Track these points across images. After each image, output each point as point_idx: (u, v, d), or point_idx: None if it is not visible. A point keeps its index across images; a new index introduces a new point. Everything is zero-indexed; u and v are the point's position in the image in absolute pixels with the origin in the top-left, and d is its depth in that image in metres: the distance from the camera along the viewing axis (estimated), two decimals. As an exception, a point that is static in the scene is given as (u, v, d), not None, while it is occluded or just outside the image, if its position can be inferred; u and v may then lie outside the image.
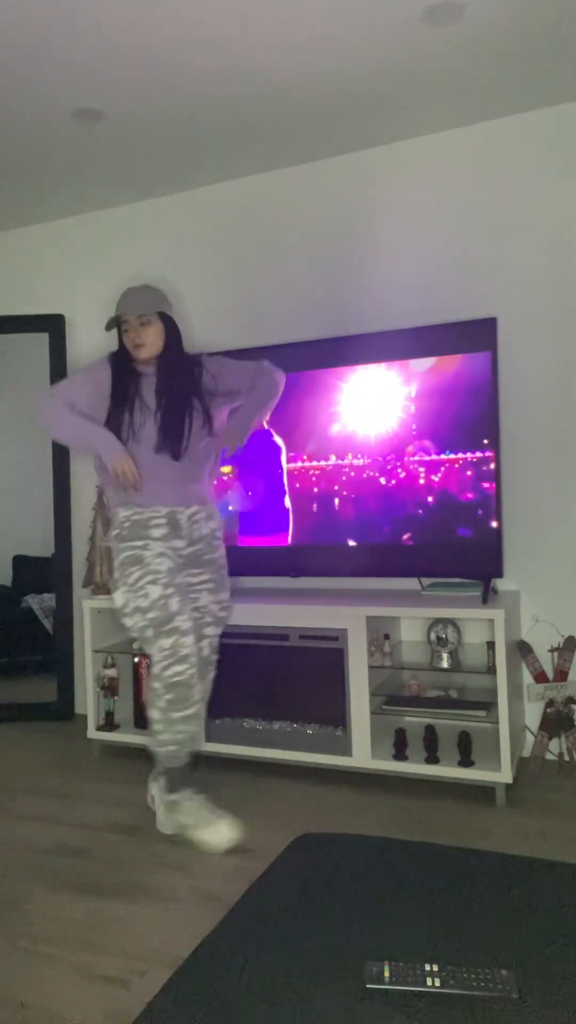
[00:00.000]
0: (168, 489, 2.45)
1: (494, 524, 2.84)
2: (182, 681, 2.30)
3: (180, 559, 2.47)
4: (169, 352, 2.49)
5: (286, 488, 3.17)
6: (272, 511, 3.20)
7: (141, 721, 3.18)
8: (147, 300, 2.46)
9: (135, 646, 3.28)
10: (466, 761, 2.68)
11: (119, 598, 2.40)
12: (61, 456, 3.90)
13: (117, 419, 2.45)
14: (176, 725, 2.33)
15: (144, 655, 3.22)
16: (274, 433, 3.19)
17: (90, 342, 3.92)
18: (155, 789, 2.53)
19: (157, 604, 2.33)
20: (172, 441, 2.44)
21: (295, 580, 3.33)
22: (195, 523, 2.50)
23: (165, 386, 2.46)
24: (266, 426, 3.16)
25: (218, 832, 2.36)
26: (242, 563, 3.23)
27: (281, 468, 3.18)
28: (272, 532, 3.20)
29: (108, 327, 2.49)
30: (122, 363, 2.50)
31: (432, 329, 2.98)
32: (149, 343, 2.45)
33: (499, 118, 3.10)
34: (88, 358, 3.91)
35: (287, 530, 3.18)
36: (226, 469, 3.27)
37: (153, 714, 2.36)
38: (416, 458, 2.97)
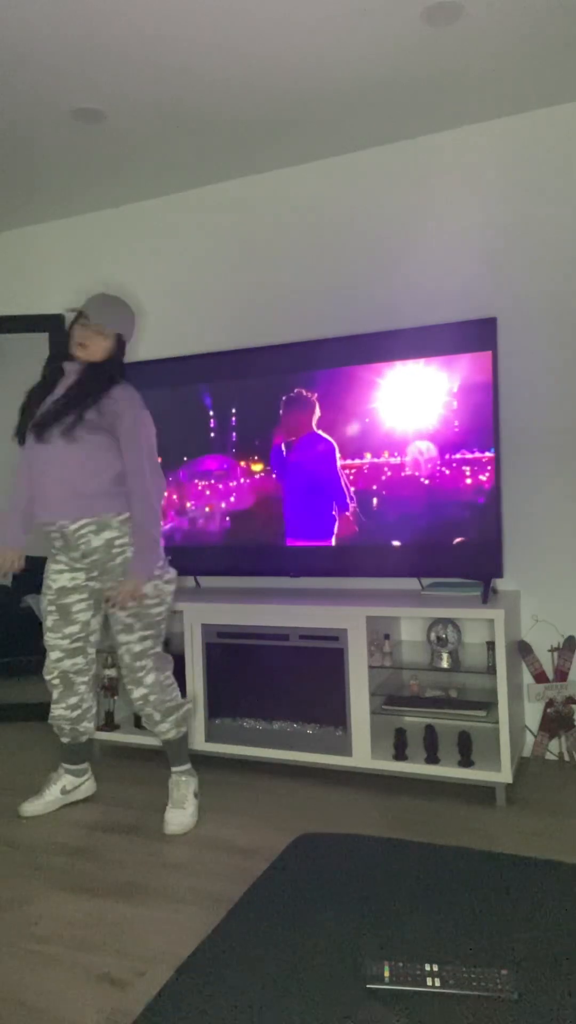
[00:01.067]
0: (55, 500, 2.48)
1: (494, 524, 2.84)
2: (48, 680, 2.64)
3: (80, 568, 2.55)
4: (102, 367, 2.53)
5: (282, 488, 3.17)
6: (272, 511, 3.20)
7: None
8: (115, 316, 2.54)
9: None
10: (466, 761, 2.68)
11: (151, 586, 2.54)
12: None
13: (30, 412, 2.55)
14: (53, 711, 2.67)
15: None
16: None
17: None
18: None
19: (43, 614, 2.61)
20: (50, 422, 2.46)
21: (295, 580, 3.33)
22: (81, 537, 2.48)
23: (76, 385, 2.50)
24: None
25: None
26: (241, 563, 3.24)
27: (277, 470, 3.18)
28: (271, 532, 3.20)
29: (72, 311, 2.55)
30: (57, 357, 2.60)
31: (432, 329, 2.98)
32: (92, 350, 2.51)
33: (499, 118, 3.10)
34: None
35: (285, 530, 3.18)
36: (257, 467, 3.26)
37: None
38: (415, 458, 2.97)
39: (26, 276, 4.06)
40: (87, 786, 2.81)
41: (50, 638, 2.60)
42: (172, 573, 2.58)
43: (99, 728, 3.26)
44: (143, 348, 3.70)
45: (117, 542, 2.49)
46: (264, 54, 2.60)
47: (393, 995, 1.05)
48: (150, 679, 2.57)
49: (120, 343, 2.58)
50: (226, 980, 1.11)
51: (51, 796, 2.73)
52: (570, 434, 3.02)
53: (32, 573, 4.06)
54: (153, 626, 2.56)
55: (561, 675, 2.93)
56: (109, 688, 3.27)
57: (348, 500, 3.06)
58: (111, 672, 3.27)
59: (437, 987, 1.06)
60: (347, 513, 3.07)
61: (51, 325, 3.92)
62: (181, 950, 1.80)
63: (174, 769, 2.67)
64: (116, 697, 3.29)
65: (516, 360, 3.08)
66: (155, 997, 1.10)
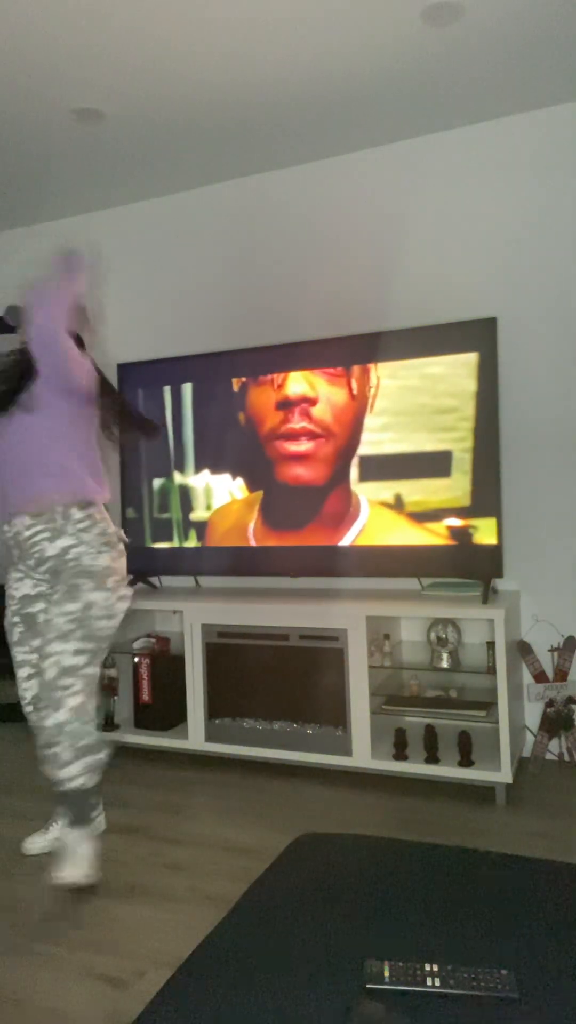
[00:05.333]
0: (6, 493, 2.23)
1: (494, 524, 2.84)
2: (24, 707, 2.36)
3: (38, 576, 2.26)
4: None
5: (284, 487, 3.17)
6: (270, 511, 3.20)
7: (141, 721, 3.18)
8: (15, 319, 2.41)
9: (158, 630, 3.28)
10: (466, 761, 2.68)
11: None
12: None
13: None
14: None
15: (141, 654, 3.22)
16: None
17: (90, 342, 3.91)
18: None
19: (6, 626, 2.35)
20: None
21: (295, 580, 3.33)
22: (34, 544, 2.20)
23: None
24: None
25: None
26: (241, 563, 3.24)
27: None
28: (271, 532, 3.20)
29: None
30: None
31: (432, 329, 2.98)
32: None
33: (499, 118, 3.10)
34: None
35: (283, 531, 3.18)
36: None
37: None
38: (416, 457, 2.97)
39: (26, 276, 4.05)
40: (99, 821, 2.32)
41: (17, 653, 2.31)
42: (129, 592, 2.29)
43: (99, 728, 3.26)
44: (142, 348, 3.70)
45: (74, 550, 2.20)
46: (264, 54, 2.60)
47: (393, 995, 1.05)
48: (74, 702, 2.09)
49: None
50: (226, 980, 1.11)
51: (55, 833, 2.39)
52: (570, 434, 3.02)
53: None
54: (94, 640, 2.16)
55: (561, 675, 2.93)
56: (109, 688, 3.27)
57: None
58: (111, 672, 3.27)
59: (437, 987, 1.06)
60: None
61: (51, 325, 3.91)
62: (181, 950, 1.80)
63: (73, 830, 2.13)
64: (116, 697, 3.29)
65: (516, 360, 3.08)
66: (155, 997, 1.10)
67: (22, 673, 2.32)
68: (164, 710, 3.16)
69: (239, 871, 2.21)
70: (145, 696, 3.20)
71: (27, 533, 2.19)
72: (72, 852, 2.11)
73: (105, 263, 3.87)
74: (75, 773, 2.10)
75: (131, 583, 3.43)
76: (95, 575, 2.18)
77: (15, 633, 2.31)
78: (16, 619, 2.31)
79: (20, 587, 2.29)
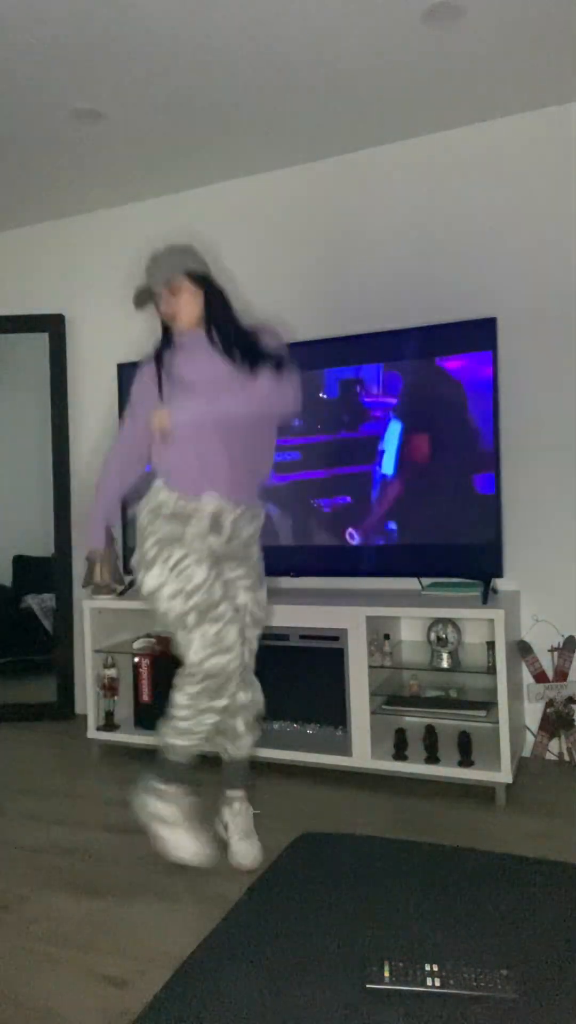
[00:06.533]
0: (221, 484, 2.15)
1: (494, 524, 2.84)
2: (223, 672, 2.10)
3: (214, 554, 2.19)
4: (212, 316, 2.18)
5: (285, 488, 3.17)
6: (270, 511, 3.20)
7: (141, 721, 3.18)
8: (169, 263, 2.17)
9: (158, 630, 3.23)
10: (466, 761, 2.68)
11: (152, 580, 2.12)
12: (61, 456, 3.90)
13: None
14: (204, 715, 2.14)
15: (141, 654, 3.22)
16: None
17: (90, 342, 3.92)
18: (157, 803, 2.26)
19: (203, 587, 2.09)
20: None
21: (295, 580, 3.33)
22: (238, 526, 2.22)
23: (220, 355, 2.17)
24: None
25: (183, 845, 2.18)
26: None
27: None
28: (270, 533, 3.20)
29: (138, 303, 2.21)
30: (165, 341, 2.25)
31: (432, 329, 2.98)
32: (182, 311, 2.17)
33: (499, 118, 3.10)
34: (88, 358, 3.92)
35: (283, 531, 3.18)
36: None
37: (180, 699, 2.15)
38: (416, 458, 2.97)
39: (26, 276, 4.06)
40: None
41: (225, 609, 2.14)
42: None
43: (99, 728, 3.27)
44: (141, 349, 3.70)
45: (256, 534, 2.29)
46: (264, 54, 2.60)
47: (393, 995, 1.05)
48: (257, 682, 2.35)
49: (201, 279, 2.19)
50: (226, 980, 1.11)
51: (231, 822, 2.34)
52: (570, 433, 3.02)
53: (32, 573, 4.07)
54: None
55: (561, 675, 2.93)
56: (109, 688, 3.27)
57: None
58: (111, 672, 3.27)
59: (437, 987, 1.06)
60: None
61: (51, 325, 3.92)
62: (181, 950, 1.80)
63: (241, 791, 2.34)
64: (116, 697, 3.29)
65: (516, 360, 3.08)
66: (155, 997, 1.10)
67: (232, 629, 2.13)
68: (164, 710, 3.15)
69: (239, 871, 2.21)
70: (145, 696, 3.20)
71: (238, 513, 2.18)
72: (246, 830, 2.30)
73: (105, 263, 3.87)
74: (252, 741, 2.33)
75: (132, 583, 3.45)
76: (262, 561, 2.34)
77: (218, 589, 2.13)
78: (215, 573, 2.14)
79: (204, 546, 2.14)
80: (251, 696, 2.31)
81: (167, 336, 2.26)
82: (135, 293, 2.20)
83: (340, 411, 3.08)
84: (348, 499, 3.07)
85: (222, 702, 2.14)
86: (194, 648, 2.10)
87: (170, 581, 2.11)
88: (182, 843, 2.19)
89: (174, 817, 2.21)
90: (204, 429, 2.12)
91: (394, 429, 3.00)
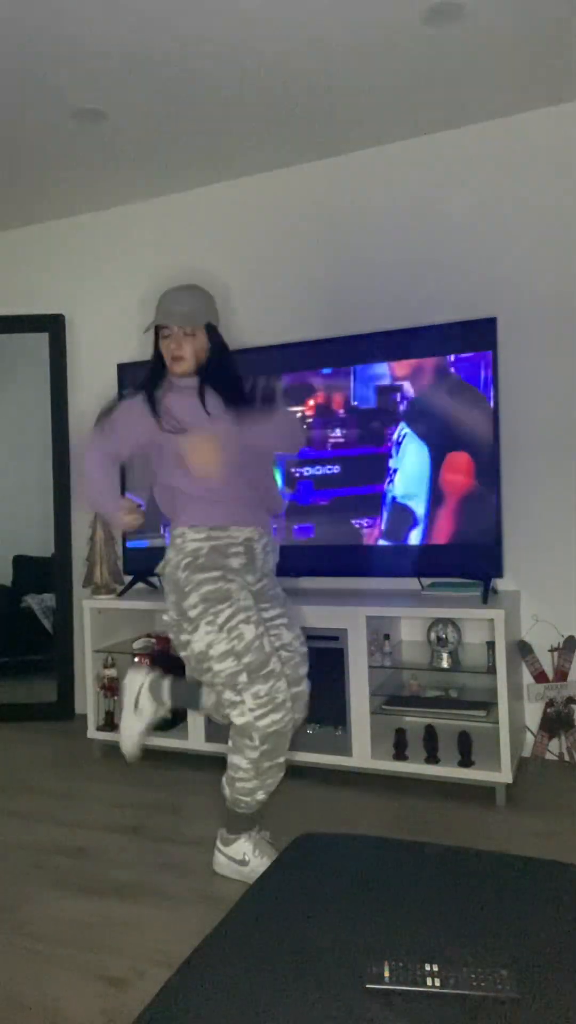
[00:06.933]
0: (246, 511, 2.18)
1: (494, 524, 2.84)
2: (280, 731, 2.07)
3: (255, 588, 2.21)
4: (211, 366, 2.21)
5: (284, 488, 3.17)
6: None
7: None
8: (193, 310, 2.18)
9: (159, 630, 3.21)
10: (466, 761, 2.68)
11: (201, 641, 2.08)
12: (61, 456, 3.90)
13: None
14: (267, 775, 2.12)
15: (141, 654, 3.21)
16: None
17: (90, 342, 3.92)
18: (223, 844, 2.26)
19: (253, 646, 2.06)
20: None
21: (295, 580, 3.33)
22: (267, 554, 2.25)
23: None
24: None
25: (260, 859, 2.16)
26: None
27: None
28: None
29: (148, 330, 2.26)
30: (158, 377, 2.23)
31: (432, 329, 2.98)
32: (188, 357, 2.18)
33: (499, 118, 3.10)
34: (88, 358, 3.91)
35: (284, 531, 3.18)
36: None
37: (240, 763, 2.11)
38: (416, 458, 2.97)
39: (26, 276, 4.06)
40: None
41: (275, 664, 2.11)
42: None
43: (99, 728, 3.27)
44: (140, 349, 3.69)
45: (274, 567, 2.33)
46: (264, 53, 2.60)
47: (393, 995, 1.05)
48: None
49: (212, 331, 2.23)
50: (226, 980, 1.11)
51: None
52: (570, 434, 3.02)
53: (32, 573, 4.07)
54: None
55: (561, 675, 2.93)
56: (109, 688, 3.27)
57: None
58: (111, 672, 3.27)
59: (437, 987, 1.06)
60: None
61: (51, 325, 3.92)
62: (181, 950, 1.80)
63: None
64: (116, 697, 3.29)
65: (516, 360, 3.08)
66: (155, 997, 1.10)
67: (282, 685, 2.10)
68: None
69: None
70: (145, 696, 3.19)
71: (262, 542, 2.23)
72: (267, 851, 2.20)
73: (105, 263, 3.87)
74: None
75: (132, 583, 3.45)
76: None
77: (267, 643, 2.11)
78: (262, 629, 2.12)
79: (247, 596, 2.13)
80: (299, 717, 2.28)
81: (159, 373, 2.23)
82: (150, 326, 2.23)
83: (339, 411, 3.08)
84: (347, 499, 3.07)
85: (282, 759, 2.13)
86: (247, 708, 2.06)
87: (219, 641, 2.06)
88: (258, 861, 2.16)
89: (262, 851, 2.20)
90: (228, 461, 2.10)
91: (393, 430, 3.00)
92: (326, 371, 3.10)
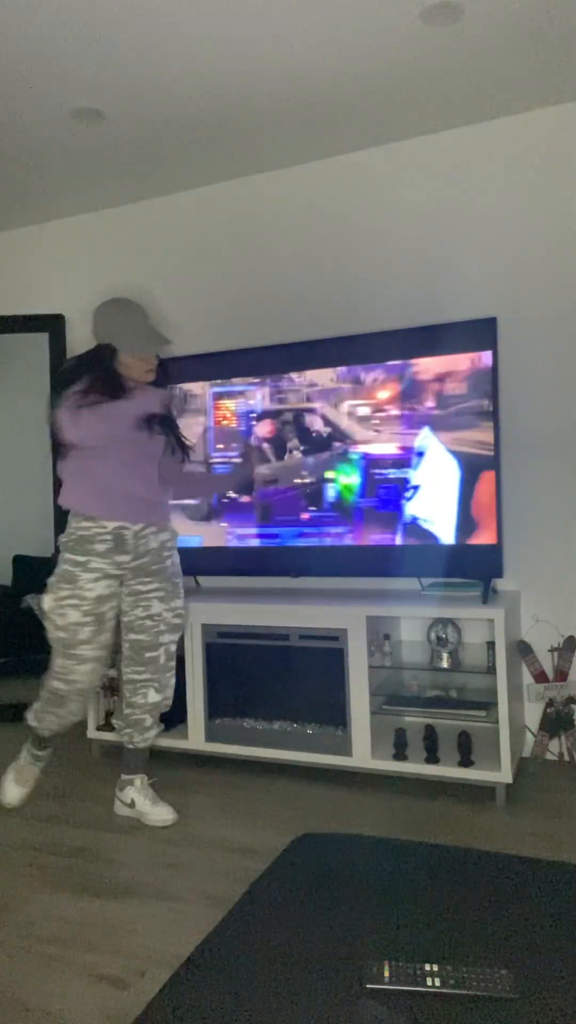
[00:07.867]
0: (122, 504, 2.53)
1: (494, 524, 2.84)
2: (58, 695, 2.62)
3: (123, 571, 2.55)
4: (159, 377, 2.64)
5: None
6: (272, 511, 3.20)
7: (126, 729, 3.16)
8: (161, 345, 2.60)
9: None
10: (466, 761, 2.68)
11: (47, 602, 2.54)
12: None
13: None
14: (44, 719, 2.70)
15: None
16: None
17: (90, 342, 3.90)
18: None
19: (68, 628, 2.51)
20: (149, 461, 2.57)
21: (295, 580, 3.33)
22: (142, 538, 2.56)
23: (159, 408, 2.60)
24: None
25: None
26: (242, 563, 3.23)
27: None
28: (272, 532, 3.20)
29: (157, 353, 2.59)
30: (113, 383, 2.54)
31: (432, 329, 2.98)
32: (147, 377, 2.60)
33: (499, 118, 3.10)
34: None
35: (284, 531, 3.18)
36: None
37: (36, 702, 2.71)
38: (416, 458, 2.97)
39: (26, 276, 4.06)
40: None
41: (85, 651, 2.55)
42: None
43: (99, 728, 3.27)
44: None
45: (168, 545, 2.64)
46: (264, 54, 2.60)
47: (393, 995, 1.05)
48: (172, 683, 2.68)
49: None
50: (226, 980, 1.11)
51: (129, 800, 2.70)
52: (570, 434, 3.02)
53: (32, 573, 4.07)
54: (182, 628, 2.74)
55: (561, 675, 2.93)
56: (108, 688, 3.26)
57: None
58: (111, 672, 3.27)
59: (437, 987, 1.06)
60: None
61: (51, 325, 3.92)
62: (181, 950, 1.80)
63: (139, 776, 2.68)
64: (116, 697, 3.29)
65: (516, 360, 3.08)
66: (155, 997, 1.10)
67: (81, 668, 2.57)
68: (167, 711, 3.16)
69: (239, 871, 2.21)
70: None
71: (135, 528, 2.54)
72: (153, 797, 2.64)
73: (105, 263, 3.87)
74: (155, 734, 2.69)
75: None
76: (178, 573, 2.67)
77: (84, 632, 2.52)
78: (88, 619, 2.52)
79: (94, 588, 2.51)
80: (162, 696, 2.65)
81: (117, 382, 2.53)
82: (159, 350, 2.59)
83: (336, 412, 3.08)
84: (347, 499, 3.07)
85: (57, 710, 2.66)
86: (52, 667, 2.60)
87: (53, 611, 2.53)
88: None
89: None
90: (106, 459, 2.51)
91: (394, 430, 3.00)
92: (325, 371, 3.10)
